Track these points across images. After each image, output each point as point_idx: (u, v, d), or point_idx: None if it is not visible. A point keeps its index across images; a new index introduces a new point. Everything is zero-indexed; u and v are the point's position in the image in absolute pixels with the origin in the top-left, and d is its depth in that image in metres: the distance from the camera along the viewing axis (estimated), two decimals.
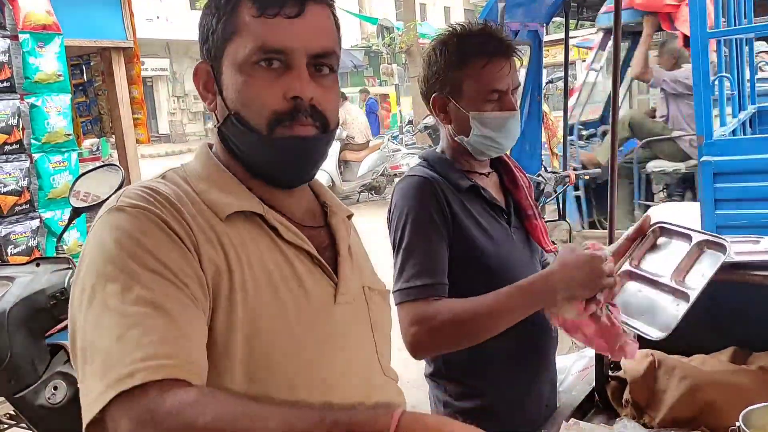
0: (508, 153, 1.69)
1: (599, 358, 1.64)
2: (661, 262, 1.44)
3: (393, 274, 1.45)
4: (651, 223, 1.50)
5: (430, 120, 11.09)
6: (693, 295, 1.32)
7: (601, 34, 6.00)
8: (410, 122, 14.07)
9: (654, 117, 5.74)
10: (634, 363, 1.56)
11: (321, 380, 0.92)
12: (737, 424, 1.18)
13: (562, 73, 4.50)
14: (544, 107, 5.43)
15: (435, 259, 1.43)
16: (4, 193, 3.48)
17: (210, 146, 1.03)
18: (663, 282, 1.40)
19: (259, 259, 0.91)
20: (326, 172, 10.42)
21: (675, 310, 1.35)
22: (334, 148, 10.50)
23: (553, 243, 1.70)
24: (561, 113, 4.82)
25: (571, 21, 4.76)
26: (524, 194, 1.63)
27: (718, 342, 1.59)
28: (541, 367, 1.58)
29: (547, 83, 8.64)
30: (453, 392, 1.53)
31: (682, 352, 1.58)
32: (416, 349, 1.40)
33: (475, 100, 1.50)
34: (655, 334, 1.34)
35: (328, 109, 0.96)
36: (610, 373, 1.65)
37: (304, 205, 1.04)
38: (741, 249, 1.63)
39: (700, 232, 1.44)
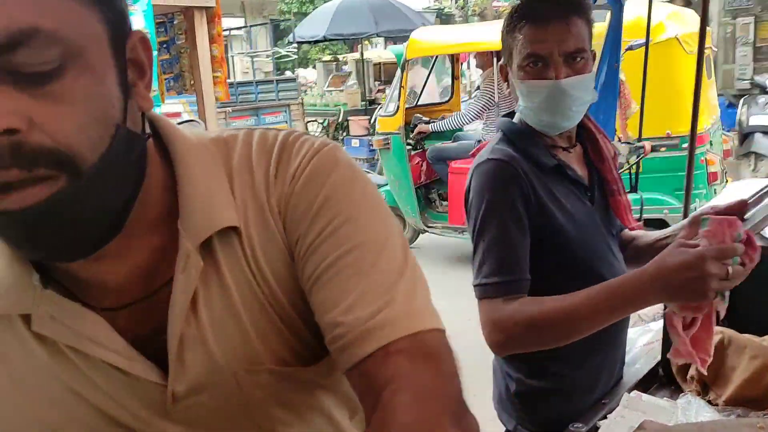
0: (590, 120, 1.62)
1: (666, 333, 1.63)
2: None
3: (473, 266, 1.41)
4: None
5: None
6: None
7: None
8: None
9: None
10: None
11: None
12: None
13: (643, 40, 4.33)
14: (621, 76, 5.26)
15: (516, 253, 1.37)
16: None
17: None
18: None
19: (35, 384, 0.64)
20: None
21: None
22: None
23: (638, 220, 1.62)
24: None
25: None
26: (609, 167, 1.55)
27: None
28: (614, 347, 1.55)
29: (626, 50, 8.30)
30: (525, 370, 1.51)
31: (754, 332, 1.55)
32: (495, 350, 1.40)
33: (519, 68, 1.42)
34: None
35: (64, 135, 0.54)
36: None
37: (134, 256, 0.65)
38: None
39: None
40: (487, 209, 1.38)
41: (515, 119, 1.54)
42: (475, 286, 1.39)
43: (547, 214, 1.40)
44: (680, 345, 1.18)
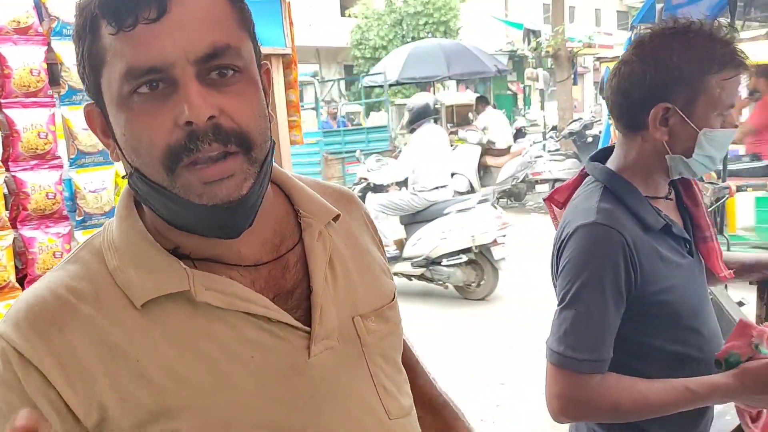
0: None
1: None
2: None
3: (552, 326, 1.35)
4: None
5: (575, 126, 10.72)
6: None
7: None
8: (554, 128, 13.72)
9: None
10: None
11: None
12: None
13: None
14: None
15: (606, 331, 1.31)
16: None
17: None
18: None
19: (194, 346, 0.75)
20: (466, 177, 10.41)
21: None
22: (474, 153, 10.49)
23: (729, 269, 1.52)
24: None
25: (737, 21, 4.45)
26: (702, 213, 1.48)
27: None
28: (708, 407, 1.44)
29: None
30: (614, 428, 1.42)
31: None
32: (557, 418, 1.34)
33: (709, 116, 1.33)
34: None
35: (245, 122, 0.74)
36: None
37: (262, 232, 0.83)
38: None
39: None
40: (589, 280, 1.31)
41: (614, 165, 1.45)
42: (554, 351, 1.32)
43: (649, 280, 1.33)
44: None
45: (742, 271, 1.66)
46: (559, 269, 1.37)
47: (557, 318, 1.34)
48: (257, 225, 0.80)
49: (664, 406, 1.29)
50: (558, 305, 1.35)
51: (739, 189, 4.13)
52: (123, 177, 0.82)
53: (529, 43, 17.89)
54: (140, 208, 0.82)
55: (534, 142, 12.34)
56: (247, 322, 0.77)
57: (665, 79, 1.33)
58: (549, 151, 11.27)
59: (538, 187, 10.89)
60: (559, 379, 1.31)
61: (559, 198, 1.55)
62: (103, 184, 2.37)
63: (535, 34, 16.91)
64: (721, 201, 3.87)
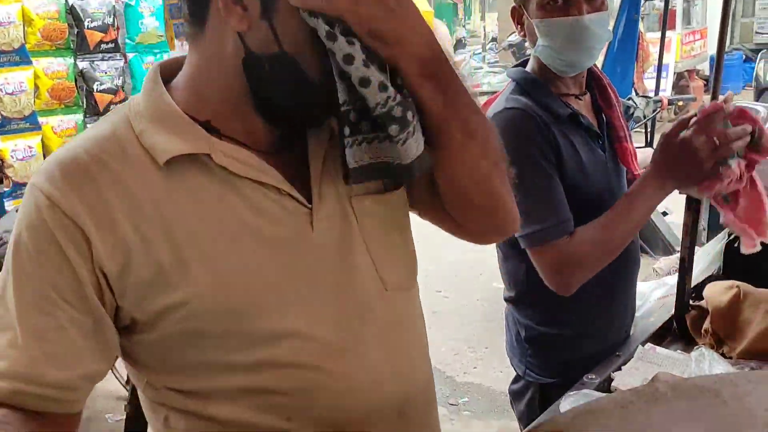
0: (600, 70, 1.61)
1: (681, 286, 1.62)
2: None
3: None
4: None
5: (515, 38, 10.64)
6: None
7: None
8: (494, 39, 13.57)
9: None
10: (717, 293, 1.54)
11: (308, 315, 0.85)
12: None
13: None
14: (640, 28, 5.15)
15: (558, 195, 1.37)
16: (101, 92, 3.62)
17: (164, 66, 0.90)
18: None
19: (210, 207, 0.82)
20: None
21: None
22: None
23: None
24: (657, 35, 4.57)
25: None
26: (616, 114, 1.54)
27: None
28: (624, 295, 1.55)
29: (645, 2, 8.13)
30: (534, 318, 1.52)
31: None
32: (567, 291, 1.38)
33: (538, 6, 1.40)
34: None
35: None
36: (691, 302, 1.63)
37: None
38: None
39: None
40: (519, 156, 1.30)
41: (528, 68, 1.52)
42: (524, 236, 1.36)
43: (563, 163, 1.40)
44: (728, 219, 1.37)
45: None
46: None
47: None
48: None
49: (623, 218, 1.36)
50: None
51: (670, 102, 4.23)
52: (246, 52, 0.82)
53: None
54: (168, 86, 0.87)
55: (474, 54, 12.22)
56: (258, 193, 0.84)
57: None
58: (488, 63, 11.21)
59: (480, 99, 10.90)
60: (544, 255, 1.36)
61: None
62: (21, 87, 2.22)
63: None
64: (654, 113, 3.96)
